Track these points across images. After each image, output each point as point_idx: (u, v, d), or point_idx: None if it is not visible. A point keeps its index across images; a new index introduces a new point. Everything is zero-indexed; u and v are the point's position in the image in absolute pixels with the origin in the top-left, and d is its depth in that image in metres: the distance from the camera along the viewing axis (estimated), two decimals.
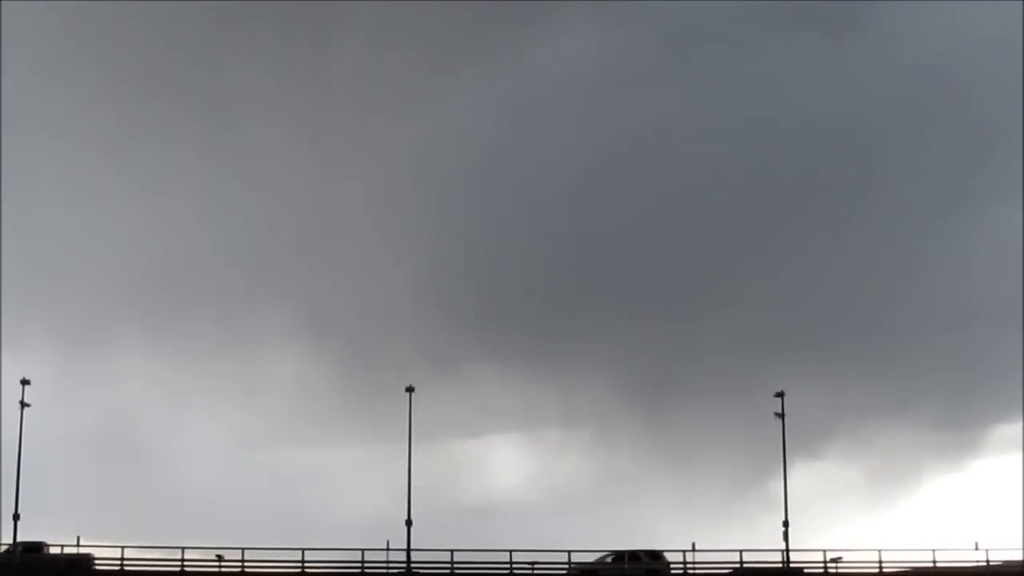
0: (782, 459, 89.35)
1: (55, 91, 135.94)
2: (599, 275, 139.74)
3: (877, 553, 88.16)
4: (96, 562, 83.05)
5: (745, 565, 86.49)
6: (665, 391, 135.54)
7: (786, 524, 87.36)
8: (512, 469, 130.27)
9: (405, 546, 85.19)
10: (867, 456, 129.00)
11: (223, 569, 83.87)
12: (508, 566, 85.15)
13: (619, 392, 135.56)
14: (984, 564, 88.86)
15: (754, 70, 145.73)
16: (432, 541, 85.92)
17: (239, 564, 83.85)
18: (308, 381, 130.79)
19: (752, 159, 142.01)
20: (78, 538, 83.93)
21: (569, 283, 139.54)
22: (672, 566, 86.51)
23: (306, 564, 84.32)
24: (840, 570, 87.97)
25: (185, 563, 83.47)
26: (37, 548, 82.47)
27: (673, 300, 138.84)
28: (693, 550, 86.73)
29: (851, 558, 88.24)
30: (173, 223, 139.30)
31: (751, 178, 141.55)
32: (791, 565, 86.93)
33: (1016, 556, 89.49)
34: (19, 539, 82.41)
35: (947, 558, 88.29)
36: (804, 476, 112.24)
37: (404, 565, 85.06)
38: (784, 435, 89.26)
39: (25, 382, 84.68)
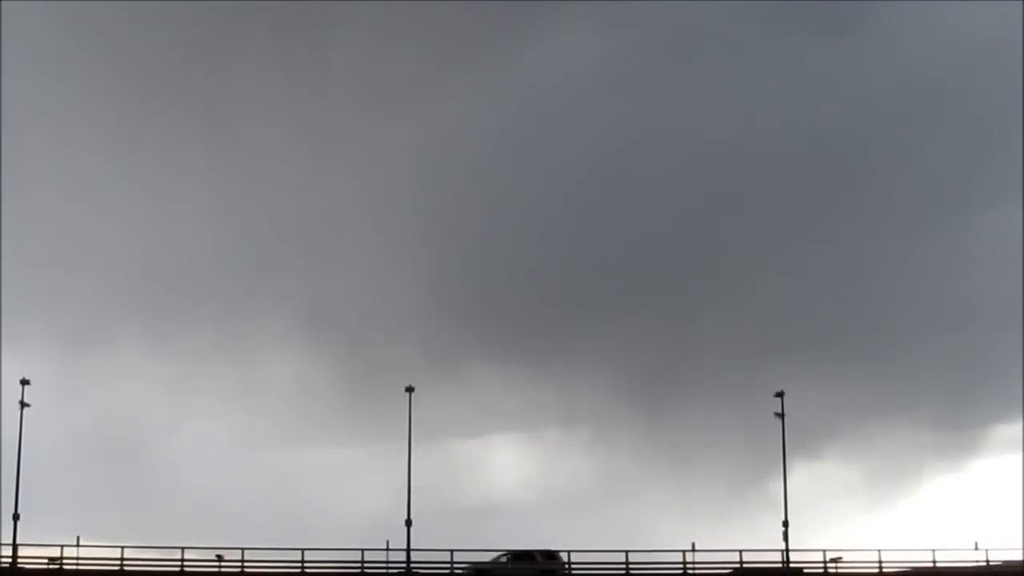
0: (782, 459, 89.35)
1: (55, 91, 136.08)
2: (599, 275, 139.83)
3: (877, 553, 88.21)
4: (96, 562, 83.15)
5: (745, 565, 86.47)
6: (665, 391, 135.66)
7: (786, 524, 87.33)
8: (512, 469, 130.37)
9: (405, 546, 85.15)
10: (867, 456, 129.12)
11: (223, 569, 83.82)
12: None
13: (619, 392, 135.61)
14: (984, 564, 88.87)
15: (754, 70, 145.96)
16: (432, 541, 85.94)
17: (239, 564, 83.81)
18: (308, 381, 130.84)
19: (752, 159, 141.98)
20: (78, 538, 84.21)
21: (569, 283, 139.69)
22: (672, 566, 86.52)
23: (306, 564, 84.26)
24: (840, 570, 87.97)
25: (185, 563, 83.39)
26: None
27: (673, 300, 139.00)
28: (693, 550, 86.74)
29: (851, 558, 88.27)
30: (173, 223, 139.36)
31: (751, 178, 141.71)
32: (791, 565, 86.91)
33: (1016, 556, 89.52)
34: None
35: (947, 558, 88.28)
36: (804, 476, 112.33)
37: (404, 565, 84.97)
38: (784, 435, 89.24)
39: (25, 382, 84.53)
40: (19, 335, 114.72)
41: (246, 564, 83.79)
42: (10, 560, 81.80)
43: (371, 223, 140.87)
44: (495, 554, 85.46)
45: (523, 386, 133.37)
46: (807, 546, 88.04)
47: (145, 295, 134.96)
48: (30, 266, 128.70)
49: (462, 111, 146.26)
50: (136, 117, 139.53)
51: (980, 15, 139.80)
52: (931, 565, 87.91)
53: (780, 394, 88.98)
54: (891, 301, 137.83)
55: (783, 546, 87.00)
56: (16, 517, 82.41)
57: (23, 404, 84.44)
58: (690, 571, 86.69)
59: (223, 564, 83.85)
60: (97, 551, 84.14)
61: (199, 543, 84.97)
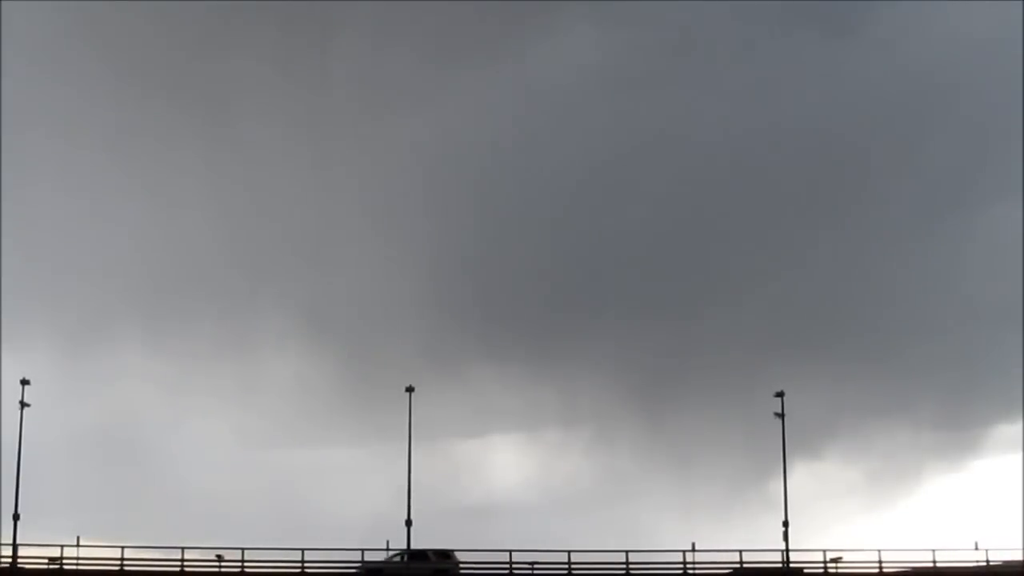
0: (782, 459, 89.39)
1: (55, 91, 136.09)
2: (599, 275, 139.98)
3: (877, 553, 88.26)
4: (96, 562, 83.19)
5: (745, 565, 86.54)
6: (665, 391, 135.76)
7: (786, 524, 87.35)
8: (512, 469, 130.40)
9: (405, 546, 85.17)
10: (867, 456, 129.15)
11: (223, 569, 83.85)
12: (508, 566, 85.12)
13: (619, 392, 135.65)
14: (984, 564, 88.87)
15: (754, 70, 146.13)
16: (432, 541, 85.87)
17: (239, 564, 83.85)
18: (308, 381, 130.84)
19: (752, 159, 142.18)
20: (78, 538, 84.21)
21: (569, 283, 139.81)
22: (672, 566, 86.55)
23: (306, 564, 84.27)
24: (840, 570, 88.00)
25: (185, 563, 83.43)
26: None
27: (673, 300, 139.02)
28: (693, 550, 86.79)
29: (851, 558, 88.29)
30: (173, 223, 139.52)
31: (751, 178, 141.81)
32: (791, 565, 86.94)
33: (1016, 556, 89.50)
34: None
35: (947, 558, 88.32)
36: (804, 476, 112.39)
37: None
38: (784, 435, 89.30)
39: (25, 382, 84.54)
40: (19, 335, 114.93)
41: (246, 564, 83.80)
42: (10, 560, 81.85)
43: (371, 223, 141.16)
44: (389, 553, 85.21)
45: (523, 386, 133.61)
46: (807, 546, 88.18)
47: (145, 295, 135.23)
48: (30, 266, 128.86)
49: (462, 111, 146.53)
50: (136, 117, 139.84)
51: (980, 15, 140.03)
52: (931, 565, 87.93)
53: (780, 394, 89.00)
54: (891, 301, 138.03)
55: (783, 546, 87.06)
56: (16, 517, 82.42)
57: (23, 404, 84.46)
58: (690, 571, 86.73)
59: (223, 564, 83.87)
60: (97, 551, 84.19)
61: (199, 543, 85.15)
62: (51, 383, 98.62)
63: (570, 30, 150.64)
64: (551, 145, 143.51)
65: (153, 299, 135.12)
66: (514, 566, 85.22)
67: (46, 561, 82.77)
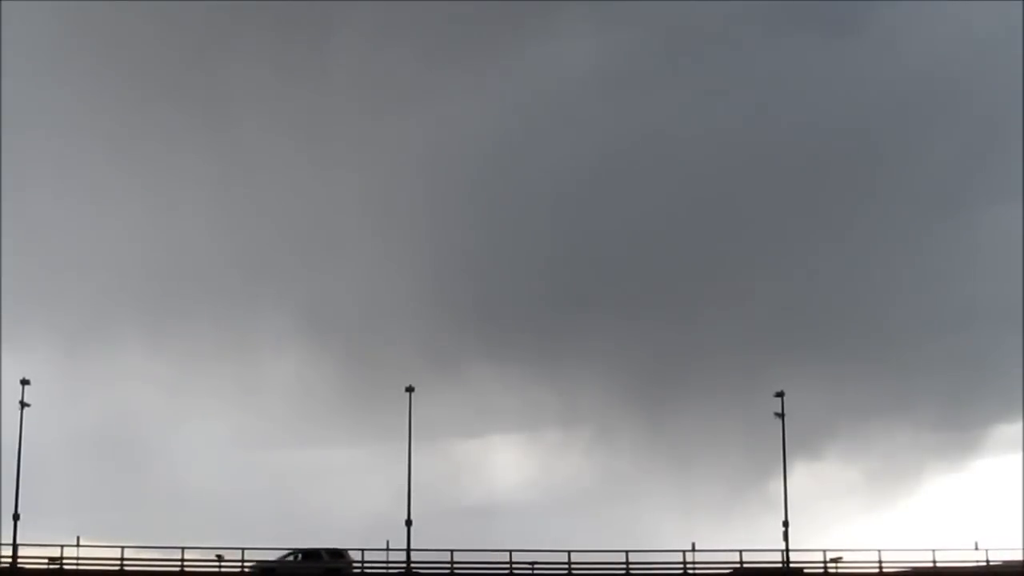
0: (782, 459, 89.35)
1: (55, 91, 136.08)
2: (599, 275, 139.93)
3: (877, 553, 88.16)
4: (96, 562, 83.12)
5: (745, 565, 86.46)
6: (665, 391, 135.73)
7: (786, 524, 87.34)
8: (512, 469, 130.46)
9: (405, 546, 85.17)
10: (867, 456, 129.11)
11: (223, 569, 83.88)
12: (508, 566, 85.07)
13: (619, 392, 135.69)
14: (984, 564, 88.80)
15: (755, 70, 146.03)
16: (432, 541, 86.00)
17: (239, 564, 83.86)
18: (308, 381, 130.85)
19: (752, 159, 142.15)
20: (78, 538, 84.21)
21: (569, 283, 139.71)
22: (672, 566, 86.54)
23: None
24: (840, 570, 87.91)
25: (185, 563, 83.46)
26: None
27: (673, 300, 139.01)
28: (693, 550, 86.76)
29: (851, 558, 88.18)
30: (173, 223, 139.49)
31: (751, 178, 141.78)
32: (791, 565, 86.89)
33: (1016, 556, 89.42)
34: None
35: (947, 558, 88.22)
36: (804, 476, 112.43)
37: (404, 565, 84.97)
38: (784, 435, 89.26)
39: (25, 382, 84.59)
40: (19, 335, 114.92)
41: (246, 564, 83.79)
42: (10, 560, 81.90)
43: (371, 223, 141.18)
44: (281, 552, 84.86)
45: (523, 386, 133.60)
46: (807, 546, 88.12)
47: (145, 295, 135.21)
48: (30, 266, 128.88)
49: (462, 111, 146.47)
50: (136, 117, 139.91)
51: (980, 15, 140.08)
52: (931, 565, 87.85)
53: (780, 394, 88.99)
54: (891, 301, 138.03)
55: (783, 546, 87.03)
56: (16, 517, 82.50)
57: (23, 404, 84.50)
58: (690, 571, 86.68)
59: (223, 564, 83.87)
60: (97, 551, 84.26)
61: (199, 543, 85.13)
62: (51, 383, 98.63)
63: (570, 30, 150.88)
64: (551, 145, 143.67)
65: (153, 300, 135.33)
66: (514, 566, 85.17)
67: (46, 561, 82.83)
